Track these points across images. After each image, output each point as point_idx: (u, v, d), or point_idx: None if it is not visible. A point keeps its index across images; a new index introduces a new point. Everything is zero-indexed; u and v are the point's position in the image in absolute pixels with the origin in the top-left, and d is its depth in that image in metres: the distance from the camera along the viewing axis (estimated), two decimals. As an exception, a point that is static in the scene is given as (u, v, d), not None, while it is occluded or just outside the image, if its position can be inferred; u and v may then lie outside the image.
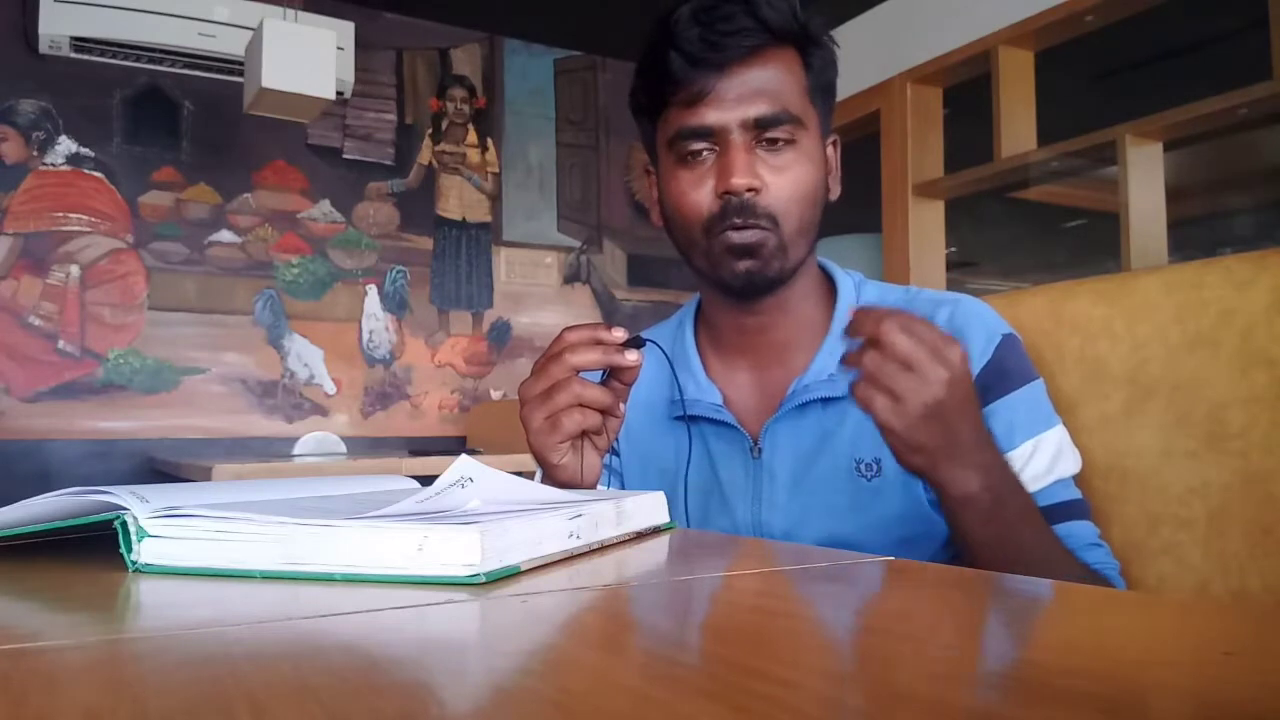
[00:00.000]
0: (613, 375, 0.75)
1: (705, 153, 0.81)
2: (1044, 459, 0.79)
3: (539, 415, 0.74)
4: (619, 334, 0.73)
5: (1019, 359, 0.82)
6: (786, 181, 0.80)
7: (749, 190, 0.79)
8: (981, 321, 0.82)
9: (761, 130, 0.80)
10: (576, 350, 0.73)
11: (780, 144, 0.80)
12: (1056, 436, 0.80)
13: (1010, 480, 0.72)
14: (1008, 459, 0.78)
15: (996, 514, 0.69)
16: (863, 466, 0.82)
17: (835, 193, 0.87)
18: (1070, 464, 0.80)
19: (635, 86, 0.87)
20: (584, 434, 0.75)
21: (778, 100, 0.80)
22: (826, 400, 0.83)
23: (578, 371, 0.73)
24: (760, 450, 0.85)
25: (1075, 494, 0.80)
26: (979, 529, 0.69)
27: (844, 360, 0.68)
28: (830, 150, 0.87)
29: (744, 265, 0.80)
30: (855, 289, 0.89)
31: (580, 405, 0.73)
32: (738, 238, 0.80)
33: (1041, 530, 0.73)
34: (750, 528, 0.85)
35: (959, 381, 0.65)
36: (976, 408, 0.69)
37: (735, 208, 0.79)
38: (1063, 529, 0.77)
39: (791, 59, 0.82)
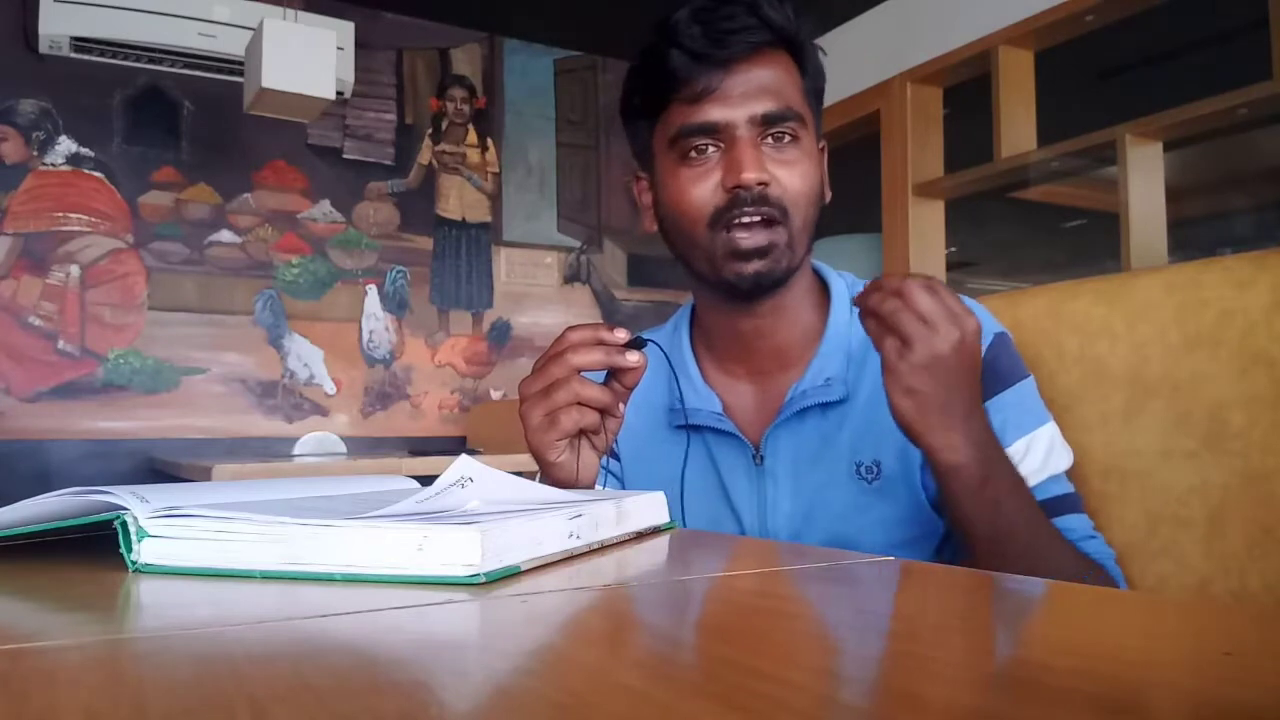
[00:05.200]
0: (614, 376, 0.75)
1: (710, 149, 0.81)
2: (1037, 456, 0.79)
3: (537, 412, 0.74)
4: (621, 335, 0.73)
5: (1010, 358, 0.83)
6: (795, 176, 0.81)
7: (759, 184, 0.79)
8: None
9: (767, 126, 0.80)
10: (578, 350, 0.73)
11: (786, 139, 0.81)
12: (1048, 433, 0.81)
13: (1001, 457, 0.72)
14: None
15: (986, 487, 0.69)
16: (863, 469, 0.82)
17: (827, 196, 0.88)
18: (1063, 460, 0.81)
19: (629, 89, 0.87)
20: (582, 433, 0.75)
21: (781, 97, 0.80)
22: (825, 405, 0.83)
23: (579, 371, 0.73)
24: (762, 458, 0.85)
25: (1068, 488, 0.81)
26: (969, 502, 0.70)
27: (854, 301, 0.71)
28: (821, 155, 0.88)
29: (753, 267, 0.80)
30: (849, 290, 0.89)
31: (579, 404, 0.73)
32: (747, 241, 0.79)
33: (1034, 512, 0.74)
34: (756, 534, 0.85)
35: (967, 347, 0.67)
36: (977, 381, 0.70)
37: (745, 200, 0.79)
38: (1059, 522, 0.77)
39: (788, 61, 0.83)
